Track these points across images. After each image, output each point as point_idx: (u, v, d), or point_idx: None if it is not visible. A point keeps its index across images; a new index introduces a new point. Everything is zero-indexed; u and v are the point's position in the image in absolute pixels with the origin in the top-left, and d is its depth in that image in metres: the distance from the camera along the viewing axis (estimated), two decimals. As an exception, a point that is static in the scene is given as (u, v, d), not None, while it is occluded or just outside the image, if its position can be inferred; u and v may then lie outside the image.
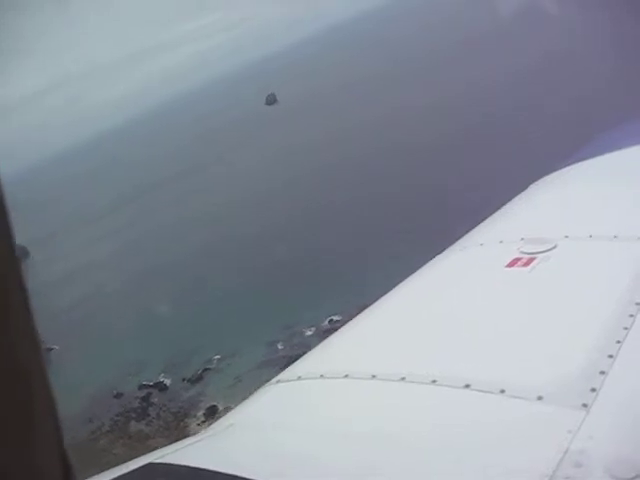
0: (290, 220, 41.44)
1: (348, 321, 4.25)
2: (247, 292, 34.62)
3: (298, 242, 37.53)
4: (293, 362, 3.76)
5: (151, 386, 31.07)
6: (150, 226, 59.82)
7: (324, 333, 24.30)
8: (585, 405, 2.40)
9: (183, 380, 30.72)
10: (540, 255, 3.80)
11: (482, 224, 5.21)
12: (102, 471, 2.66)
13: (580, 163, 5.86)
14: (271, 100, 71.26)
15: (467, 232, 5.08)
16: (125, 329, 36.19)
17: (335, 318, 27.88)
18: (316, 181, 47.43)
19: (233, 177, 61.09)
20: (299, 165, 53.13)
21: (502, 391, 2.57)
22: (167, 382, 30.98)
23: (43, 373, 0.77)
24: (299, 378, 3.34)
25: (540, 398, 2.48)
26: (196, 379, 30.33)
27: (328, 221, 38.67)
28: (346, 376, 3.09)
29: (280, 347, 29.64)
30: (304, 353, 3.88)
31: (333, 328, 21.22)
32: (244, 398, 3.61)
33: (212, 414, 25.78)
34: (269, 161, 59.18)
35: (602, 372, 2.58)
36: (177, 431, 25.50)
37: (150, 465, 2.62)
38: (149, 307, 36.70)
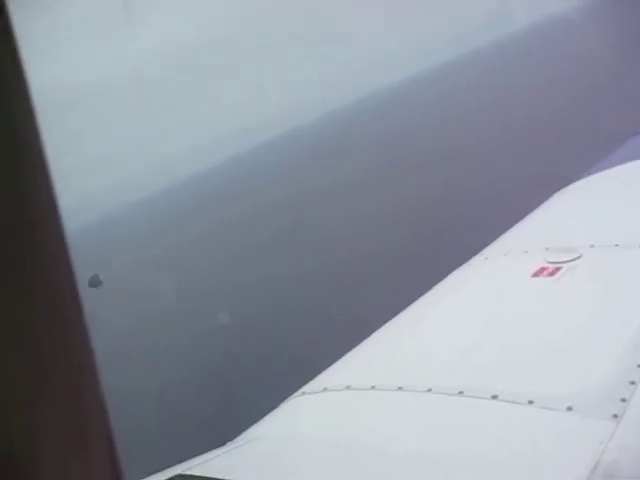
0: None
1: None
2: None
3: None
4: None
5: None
6: None
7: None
8: (615, 416, 2.37)
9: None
10: (566, 265, 3.77)
11: (506, 234, 5.16)
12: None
13: (604, 172, 5.80)
14: (95, 282, 49.38)
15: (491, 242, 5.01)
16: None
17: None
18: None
19: None
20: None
21: (530, 402, 2.54)
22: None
23: (95, 375, 0.76)
24: (325, 389, 3.32)
25: (570, 409, 2.45)
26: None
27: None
28: (372, 387, 3.07)
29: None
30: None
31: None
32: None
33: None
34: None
35: (632, 382, 2.56)
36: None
37: (179, 477, 2.64)
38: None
